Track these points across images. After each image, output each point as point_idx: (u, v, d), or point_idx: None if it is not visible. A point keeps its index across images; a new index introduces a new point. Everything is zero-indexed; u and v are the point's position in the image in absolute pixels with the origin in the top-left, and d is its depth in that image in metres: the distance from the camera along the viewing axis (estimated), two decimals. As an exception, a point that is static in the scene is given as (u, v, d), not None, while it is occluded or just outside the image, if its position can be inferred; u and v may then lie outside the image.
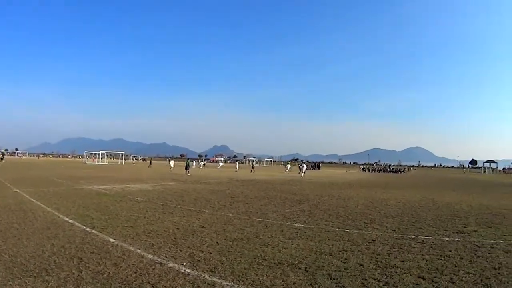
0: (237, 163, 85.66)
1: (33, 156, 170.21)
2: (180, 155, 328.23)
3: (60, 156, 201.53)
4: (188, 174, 41.31)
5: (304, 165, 58.68)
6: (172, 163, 53.61)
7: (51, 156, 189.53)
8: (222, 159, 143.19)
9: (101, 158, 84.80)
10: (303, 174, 50.26)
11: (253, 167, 63.79)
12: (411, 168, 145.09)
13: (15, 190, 18.40)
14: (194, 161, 55.08)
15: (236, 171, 56.13)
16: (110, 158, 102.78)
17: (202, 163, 76.84)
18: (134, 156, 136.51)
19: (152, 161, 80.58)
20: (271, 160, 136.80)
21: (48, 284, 5.60)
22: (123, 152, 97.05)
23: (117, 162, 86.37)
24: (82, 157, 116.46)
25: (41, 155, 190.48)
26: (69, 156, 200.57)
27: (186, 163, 46.86)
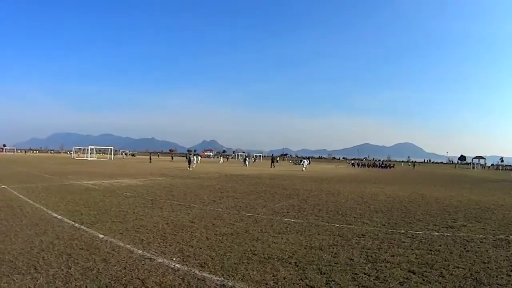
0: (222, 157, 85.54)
1: (20, 152, 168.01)
2: (169, 150, 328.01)
3: (49, 152, 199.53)
4: (190, 169, 42.10)
5: (305, 161, 60.83)
6: (197, 158, 50.60)
7: (34, 152, 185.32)
8: (211, 154, 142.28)
9: (90, 154, 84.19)
10: (304, 168, 52.11)
11: (244, 162, 64.46)
12: (412, 163, 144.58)
13: (2, 186, 18.17)
14: (195, 157, 53.52)
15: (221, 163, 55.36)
16: (99, 154, 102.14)
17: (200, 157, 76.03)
18: (124, 151, 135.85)
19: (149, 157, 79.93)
20: (260, 155, 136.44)
21: (37, 281, 5.55)
22: (112, 147, 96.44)
23: (106, 158, 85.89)
24: (71, 153, 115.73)
25: (30, 151, 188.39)
26: (52, 151, 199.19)
27: (188, 158, 48.00)
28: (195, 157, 52.68)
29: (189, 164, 44.32)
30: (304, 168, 52.70)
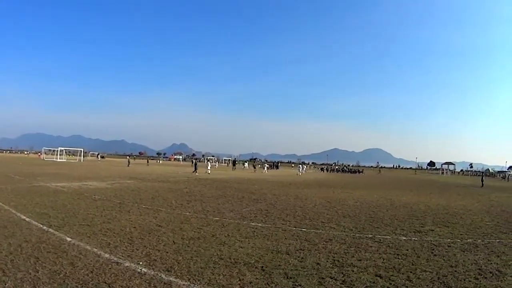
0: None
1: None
2: (139, 152, 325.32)
3: (19, 152, 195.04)
4: (196, 174, 42.40)
5: (300, 166, 62.56)
6: (209, 165, 51.16)
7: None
8: (181, 157, 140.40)
9: (60, 155, 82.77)
10: (300, 173, 56.55)
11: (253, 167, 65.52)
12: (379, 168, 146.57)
13: (-30, 188, 17.81)
14: (210, 162, 53.18)
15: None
16: (69, 155, 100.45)
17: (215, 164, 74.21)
18: (97, 154, 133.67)
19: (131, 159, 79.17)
20: (229, 159, 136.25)
21: (5, 284, 5.58)
22: (82, 149, 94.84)
23: (76, 159, 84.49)
24: (41, 154, 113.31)
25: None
26: (26, 152, 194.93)
27: (194, 163, 49.80)
28: (208, 162, 53.40)
29: (195, 169, 45.17)
30: (300, 173, 54.50)
